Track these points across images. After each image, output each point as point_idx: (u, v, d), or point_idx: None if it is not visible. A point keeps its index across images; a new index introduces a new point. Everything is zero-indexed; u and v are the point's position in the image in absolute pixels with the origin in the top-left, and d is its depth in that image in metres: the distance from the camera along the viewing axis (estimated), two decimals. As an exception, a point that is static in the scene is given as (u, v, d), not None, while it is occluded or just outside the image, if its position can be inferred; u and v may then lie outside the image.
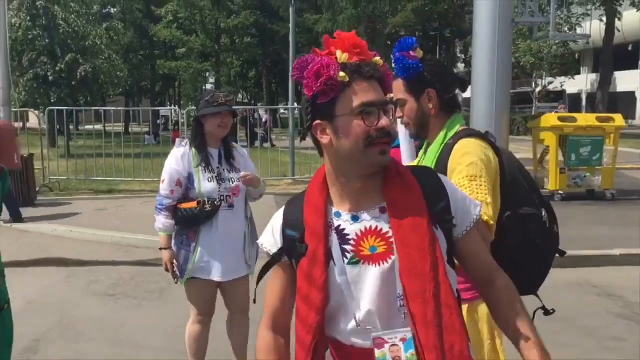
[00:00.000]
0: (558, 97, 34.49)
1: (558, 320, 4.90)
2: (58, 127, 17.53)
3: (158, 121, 28.99)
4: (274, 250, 1.55)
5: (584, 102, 45.12)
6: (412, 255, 1.39)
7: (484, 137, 2.11)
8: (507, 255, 1.88)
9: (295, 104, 14.15)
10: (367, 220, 1.46)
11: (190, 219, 3.37)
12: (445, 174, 1.90)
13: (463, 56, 44.43)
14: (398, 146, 2.88)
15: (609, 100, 29.98)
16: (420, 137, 2.26)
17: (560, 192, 10.05)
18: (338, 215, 1.48)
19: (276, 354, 1.58)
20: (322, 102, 1.40)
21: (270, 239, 1.57)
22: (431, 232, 1.42)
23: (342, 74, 1.38)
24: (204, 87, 55.84)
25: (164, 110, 29.39)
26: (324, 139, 1.44)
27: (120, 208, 9.73)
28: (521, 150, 13.02)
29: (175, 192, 3.40)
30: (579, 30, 27.71)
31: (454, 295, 1.43)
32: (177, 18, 34.46)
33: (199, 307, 3.57)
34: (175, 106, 50.97)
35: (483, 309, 2.08)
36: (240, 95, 57.81)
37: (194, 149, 3.44)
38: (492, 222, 1.92)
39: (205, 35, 29.52)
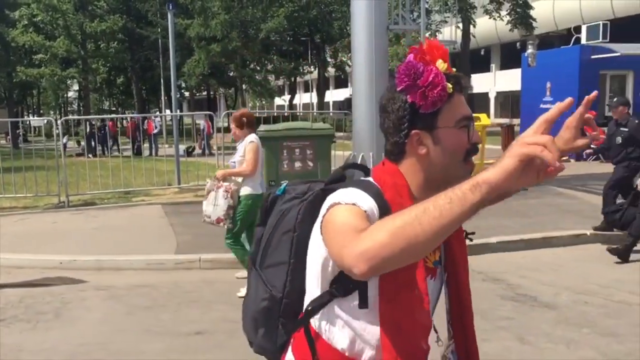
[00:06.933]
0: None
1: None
2: None
3: (18, 131, 27.19)
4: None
5: (444, 103, 48.32)
6: (460, 274, 1.45)
7: None
8: None
9: (168, 111, 13.84)
10: None
11: None
12: None
13: (333, 60, 45.78)
14: None
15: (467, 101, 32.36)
16: None
17: (437, 188, 10.78)
18: None
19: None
20: (426, 112, 1.29)
21: (369, 202, 1.26)
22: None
23: (449, 84, 1.29)
24: (66, 95, 52.63)
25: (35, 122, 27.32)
26: (421, 150, 1.32)
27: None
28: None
29: None
30: (439, 37, 29.75)
31: None
32: (32, 22, 32.30)
33: None
34: (32, 115, 47.64)
35: None
36: (107, 103, 55.17)
37: None
38: None
39: (69, 40, 27.82)
